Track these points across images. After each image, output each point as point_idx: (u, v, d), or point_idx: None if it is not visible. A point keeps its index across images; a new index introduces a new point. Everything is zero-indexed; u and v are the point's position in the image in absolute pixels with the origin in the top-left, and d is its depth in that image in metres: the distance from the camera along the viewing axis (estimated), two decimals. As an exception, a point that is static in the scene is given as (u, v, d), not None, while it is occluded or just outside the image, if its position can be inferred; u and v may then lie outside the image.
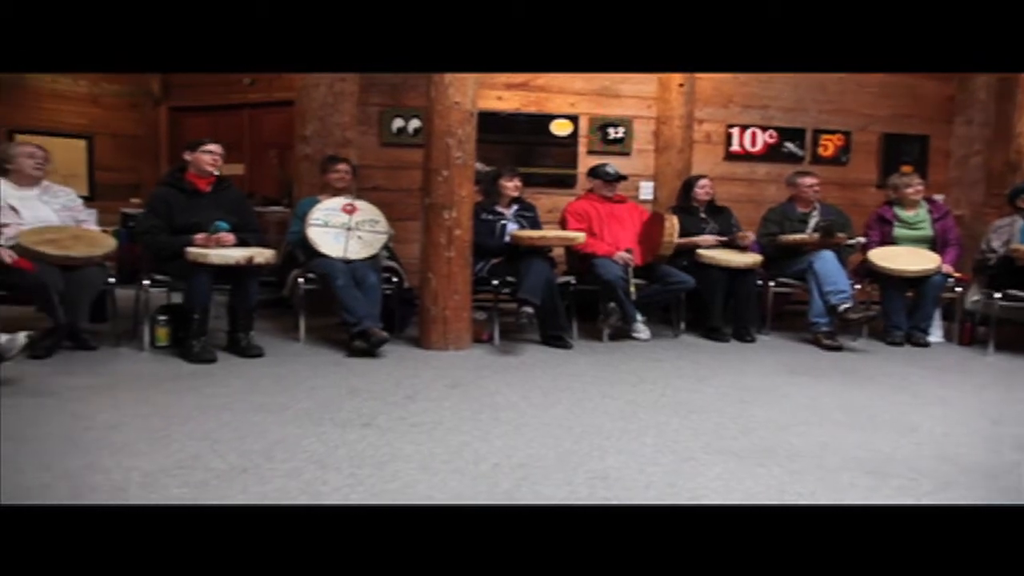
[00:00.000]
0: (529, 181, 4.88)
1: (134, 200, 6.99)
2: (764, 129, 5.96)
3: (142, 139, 7.40)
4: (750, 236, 4.89)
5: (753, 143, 5.95)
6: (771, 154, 5.98)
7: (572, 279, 4.66)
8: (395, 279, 4.58)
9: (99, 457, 2.35)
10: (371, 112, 5.42)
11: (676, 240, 4.49)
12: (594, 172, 4.97)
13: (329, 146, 5.02)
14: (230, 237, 3.77)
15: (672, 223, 4.47)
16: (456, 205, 4.11)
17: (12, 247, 3.43)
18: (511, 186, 4.62)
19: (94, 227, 3.92)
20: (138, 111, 7.37)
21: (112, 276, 3.85)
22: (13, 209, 3.64)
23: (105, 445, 2.47)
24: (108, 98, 7.22)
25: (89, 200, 4.15)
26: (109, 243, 3.69)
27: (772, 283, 4.94)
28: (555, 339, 4.37)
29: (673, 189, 5.45)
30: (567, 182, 5.73)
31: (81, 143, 6.97)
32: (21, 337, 3.02)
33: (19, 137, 6.42)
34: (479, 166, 4.26)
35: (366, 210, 4.31)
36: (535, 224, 4.72)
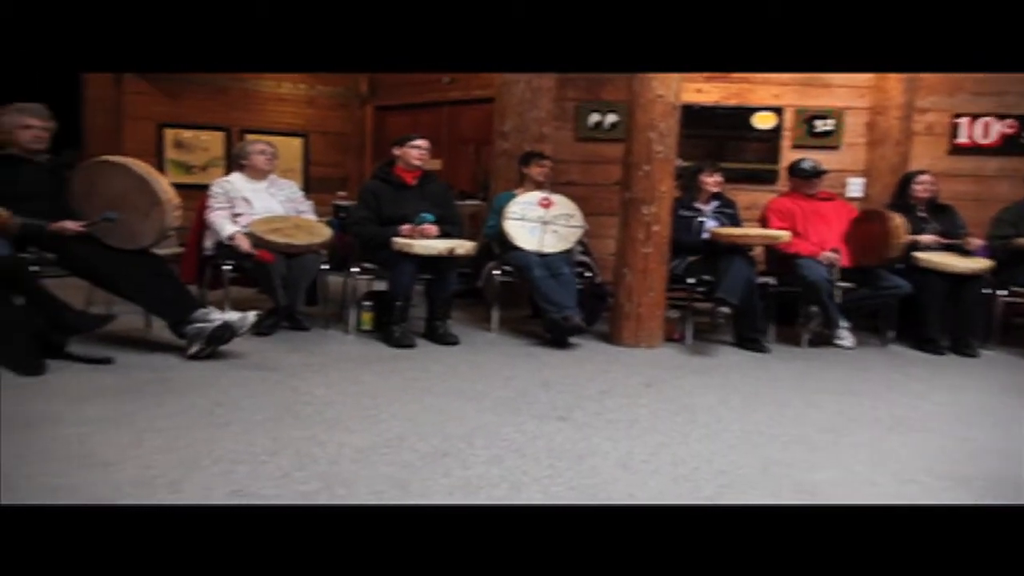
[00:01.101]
0: (727, 176, 4.67)
1: (341, 193, 7.51)
2: (1001, 118, 5.30)
3: (349, 136, 7.93)
4: (977, 242, 4.36)
5: (985, 134, 5.31)
6: (1007, 146, 5.30)
7: (772, 280, 4.40)
8: (588, 273, 4.56)
9: (317, 431, 2.51)
10: (567, 107, 5.43)
11: (905, 240, 4.11)
12: (790, 169, 4.67)
13: (526, 141, 5.09)
14: (433, 229, 3.92)
15: (898, 222, 4.09)
16: (656, 200, 4.01)
17: (246, 234, 3.78)
18: (711, 182, 4.44)
19: (312, 217, 4.23)
20: (347, 111, 7.91)
21: (325, 263, 4.13)
22: (246, 200, 4.01)
23: (321, 420, 2.64)
24: (322, 99, 7.80)
25: (304, 193, 4.47)
26: (326, 232, 3.96)
27: (1002, 292, 4.38)
28: (751, 342, 4.14)
29: (887, 186, 4.99)
30: (767, 178, 5.43)
31: (298, 141, 7.58)
32: (251, 316, 3.31)
33: (248, 136, 7.11)
34: (677, 162, 4.13)
35: (562, 205, 4.32)
36: (735, 221, 4.51)
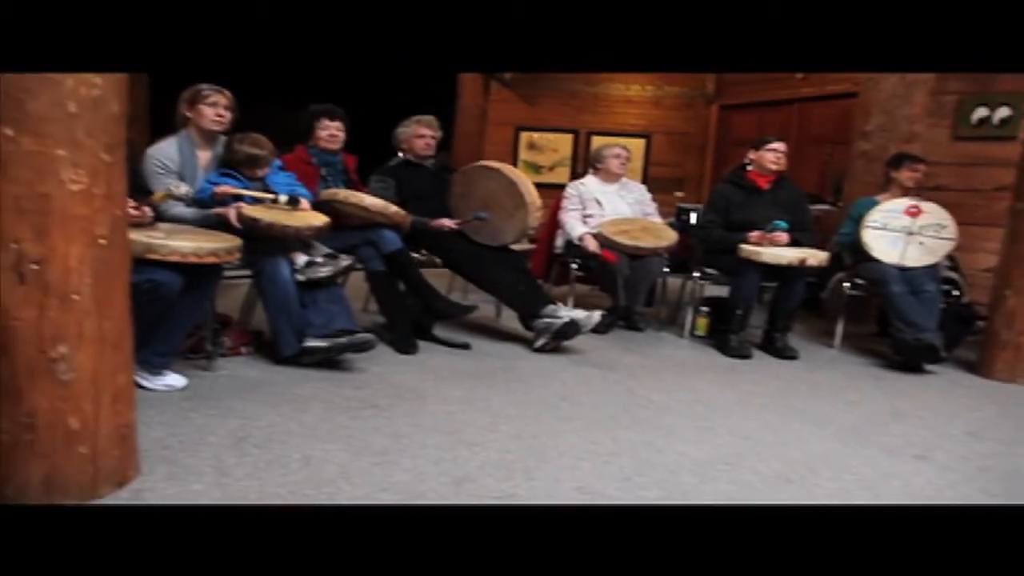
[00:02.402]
0: None
1: (678, 193, 7.50)
2: None
3: (692, 136, 7.86)
4: None
5: None
6: None
7: None
8: (955, 292, 3.99)
9: (654, 436, 2.52)
10: (947, 101, 4.76)
11: None
12: None
13: (893, 141, 4.57)
14: (784, 236, 3.72)
15: None
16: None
17: (594, 235, 3.94)
18: None
19: (658, 220, 4.27)
20: (691, 110, 7.85)
21: (667, 265, 4.14)
22: (597, 202, 4.18)
23: (658, 426, 2.64)
24: (668, 100, 7.84)
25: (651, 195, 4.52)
26: (671, 236, 3.97)
27: None
28: None
29: None
30: None
31: (640, 141, 7.72)
32: (595, 315, 3.45)
33: (595, 139, 7.43)
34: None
35: (933, 213, 3.81)
36: None
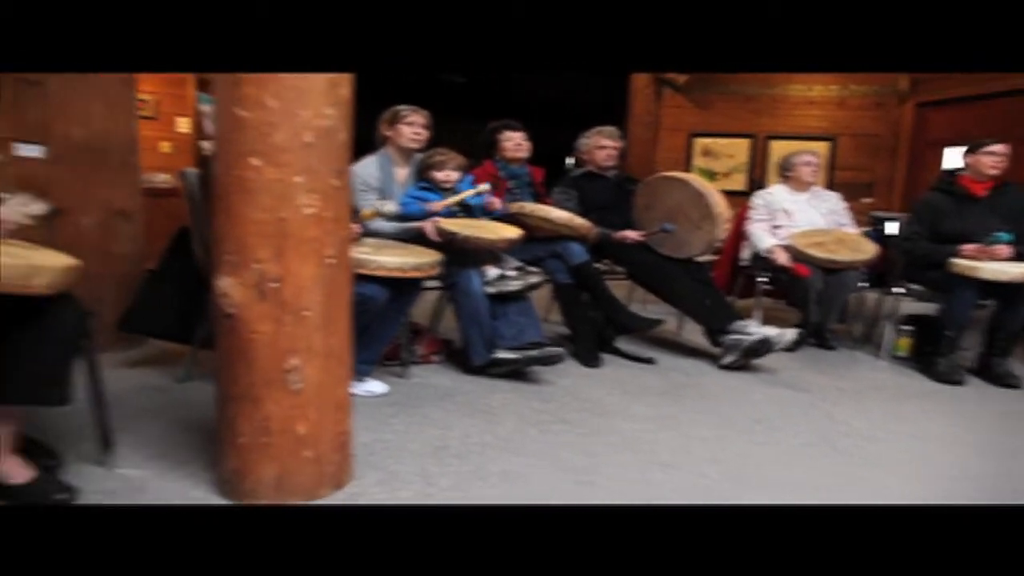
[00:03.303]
0: None
1: (866, 200, 7.00)
2: None
3: (881, 137, 7.31)
4: None
5: None
6: None
7: None
8: None
9: (861, 469, 2.33)
10: None
11: None
12: None
13: None
14: (1006, 250, 3.35)
15: None
16: None
17: (785, 247, 3.74)
18: None
19: (854, 231, 3.98)
20: (882, 110, 7.30)
21: (863, 280, 3.85)
22: (786, 212, 3.96)
23: (863, 456, 2.44)
24: (854, 100, 7.34)
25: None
26: (870, 249, 3.68)
27: None
28: None
29: None
30: None
31: (824, 145, 7.28)
32: (790, 333, 3.27)
33: (773, 143, 7.11)
34: None
35: None
36: None
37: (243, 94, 1.61)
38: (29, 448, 1.87)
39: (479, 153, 3.70)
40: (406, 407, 2.69)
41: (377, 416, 2.56)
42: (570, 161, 3.98)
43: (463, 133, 4.64)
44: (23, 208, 1.61)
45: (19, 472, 1.77)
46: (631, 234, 3.62)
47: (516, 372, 3.05)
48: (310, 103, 1.65)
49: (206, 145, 3.03)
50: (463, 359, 3.15)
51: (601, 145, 3.79)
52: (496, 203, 3.25)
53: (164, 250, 2.80)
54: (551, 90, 8.58)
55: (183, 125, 6.29)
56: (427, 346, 3.28)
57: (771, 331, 3.29)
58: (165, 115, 6.13)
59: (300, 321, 1.75)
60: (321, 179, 1.70)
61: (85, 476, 1.96)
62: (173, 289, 2.72)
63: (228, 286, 1.71)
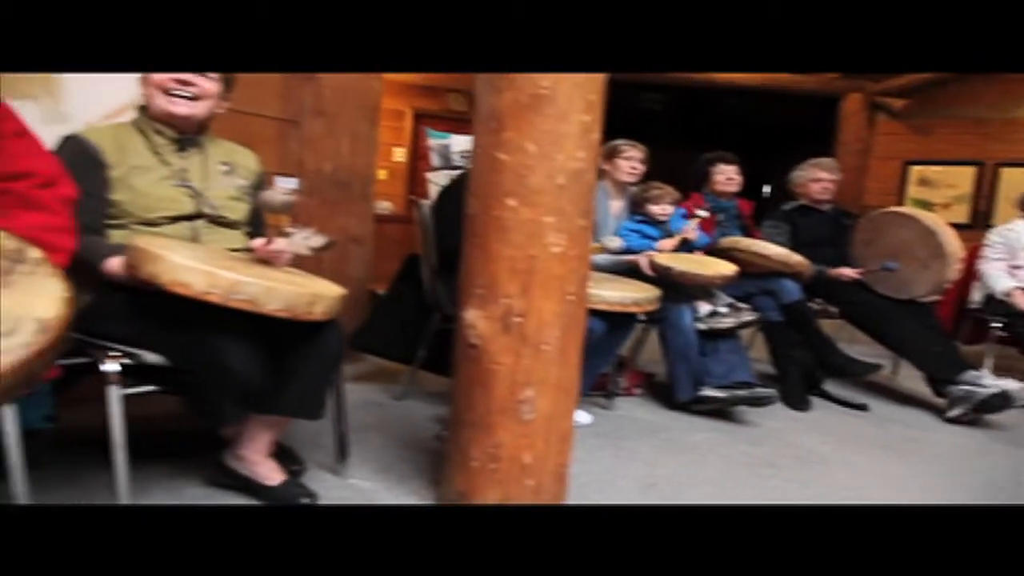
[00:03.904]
0: None
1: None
2: None
3: None
4: None
5: None
6: None
7: None
8: None
9: None
10: None
11: None
12: None
13: None
14: None
15: None
16: None
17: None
18: None
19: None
20: None
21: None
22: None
23: None
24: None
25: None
26: None
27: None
28: None
29: None
30: None
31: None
32: (1036, 389, 2.95)
33: (1004, 171, 6.46)
34: None
35: None
36: None
37: (504, 139, 1.72)
38: (280, 454, 2.08)
39: (683, 182, 3.67)
40: (612, 439, 2.71)
41: (584, 447, 2.59)
42: (766, 189, 3.84)
43: (660, 160, 4.61)
44: (306, 241, 1.80)
45: (274, 475, 1.97)
46: (849, 271, 3.43)
47: (721, 411, 2.98)
48: (565, 147, 1.72)
49: (430, 176, 3.25)
50: (664, 393, 3.13)
51: (817, 178, 3.63)
52: (694, 233, 3.19)
53: (395, 275, 3.02)
54: (753, 116, 8.31)
55: (398, 155, 6.76)
56: (630, 379, 3.29)
57: (1012, 385, 2.99)
58: (384, 145, 6.61)
59: (538, 355, 1.82)
60: (569, 219, 1.77)
61: (321, 482, 2.13)
62: (401, 312, 2.92)
63: (475, 318, 1.82)
